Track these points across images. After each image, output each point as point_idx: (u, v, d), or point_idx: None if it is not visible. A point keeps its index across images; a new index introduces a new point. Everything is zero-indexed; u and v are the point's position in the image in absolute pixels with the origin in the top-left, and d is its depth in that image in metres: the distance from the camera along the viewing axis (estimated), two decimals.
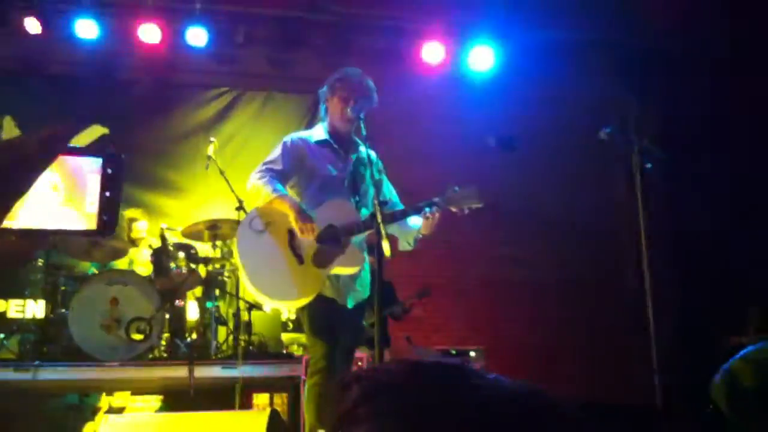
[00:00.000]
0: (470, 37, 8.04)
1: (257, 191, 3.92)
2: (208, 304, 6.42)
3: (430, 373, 0.71)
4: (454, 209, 4.01)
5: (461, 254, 7.88)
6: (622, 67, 7.92)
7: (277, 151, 4.05)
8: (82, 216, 1.10)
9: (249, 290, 3.99)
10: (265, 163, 4.02)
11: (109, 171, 1.05)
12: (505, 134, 7.88)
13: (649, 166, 4.24)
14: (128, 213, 6.90)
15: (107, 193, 1.07)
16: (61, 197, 0.90)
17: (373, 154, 4.10)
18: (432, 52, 7.97)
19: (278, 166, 3.99)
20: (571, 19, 7.59)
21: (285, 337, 6.71)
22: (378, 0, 7.77)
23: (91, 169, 1.02)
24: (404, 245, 4.12)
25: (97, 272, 6.30)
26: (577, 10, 7.42)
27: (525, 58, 7.88)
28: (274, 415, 3.53)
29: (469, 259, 8.00)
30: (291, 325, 6.80)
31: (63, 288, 6.25)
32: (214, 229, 6.30)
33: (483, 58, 8.01)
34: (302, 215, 3.82)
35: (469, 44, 8.05)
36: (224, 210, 6.51)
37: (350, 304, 4.01)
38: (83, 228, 1.07)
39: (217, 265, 6.53)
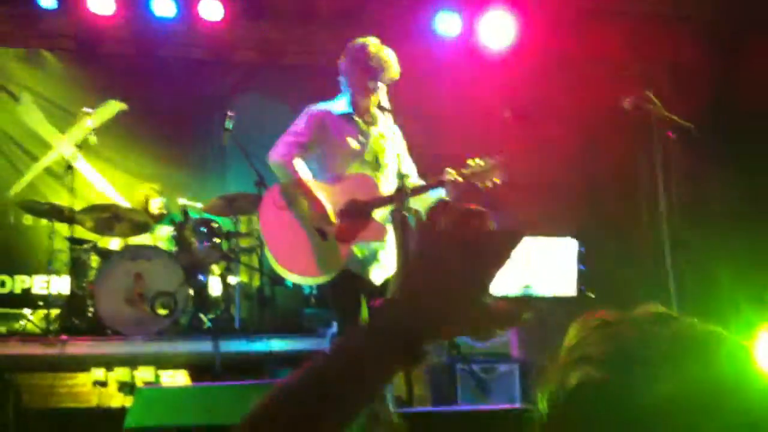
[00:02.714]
0: (487, 5, 7.91)
1: (280, 170, 3.89)
2: (231, 279, 6.44)
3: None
4: (476, 182, 3.98)
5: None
6: (647, 36, 7.76)
7: (301, 122, 4.01)
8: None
9: (273, 266, 3.99)
10: (288, 134, 3.97)
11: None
12: (522, 106, 7.79)
13: (672, 136, 4.17)
14: (144, 188, 6.90)
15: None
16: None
17: (395, 126, 4.07)
18: (447, 22, 7.87)
19: (302, 138, 3.95)
20: None
21: (308, 311, 6.72)
22: None
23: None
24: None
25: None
26: None
27: (544, 27, 7.76)
28: None
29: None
30: (314, 300, 6.80)
31: (87, 263, 6.29)
32: (234, 204, 6.29)
33: (500, 28, 7.89)
34: (316, 206, 3.81)
35: (485, 13, 7.93)
36: (243, 184, 6.49)
37: (376, 279, 3.99)
38: (564, 294, 1.04)
39: (240, 240, 6.54)
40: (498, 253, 0.83)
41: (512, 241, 0.83)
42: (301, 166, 3.87)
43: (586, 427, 0.78)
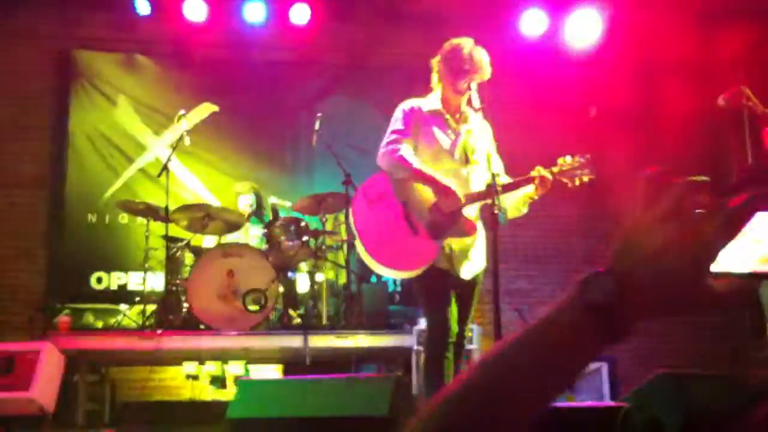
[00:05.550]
0: (572, 4, 7.86)
1: (394, 167, 3.96)
2: (318, 276, 6.56)
3: None
4: (565, 180, 3.99)
5: (566, 228, 7.78)
6: (735, 34, 7.56)
7: (398, 118, 4.08)
8: None
9: (364, 258, 4.06)
10: (389, 134, 4.05)
11: None
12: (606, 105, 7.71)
13: None
14: (236, 187, 7.09)
15: None
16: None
17: (486, 124, 4.11)
18: (533, 20, 7.85)
19: (403, 132, 3.99)
20: None
21: (393, 308, 6.80)
22: None
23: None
24: (514, 212, 4.10)
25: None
26: None
27: (631, 25, 7.67)
28: (399, 381, 3.60)
29: (574, 233, 7.88)
30: (398, 297, 6.89)
31: (181, 260, 6.49)
32: (323, 203, 6.41)
33: (587, 26, 7.83)
34: (443, 191, 3.87)
35: (570, 12, 7.88)
36: (330, 183, 6.61)
37: (465, 275, 4.04)
38: None
39: (326, 238, 6.66)
40: (726, 228, 0.77)
41: (742, 217, 0.78)
42: (412, 158, 3.94)
43: None
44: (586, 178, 3.99)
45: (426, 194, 3.98)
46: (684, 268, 0.77)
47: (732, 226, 0.77)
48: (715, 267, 0.78)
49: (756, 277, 0.82)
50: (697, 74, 7.36)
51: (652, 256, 0.77)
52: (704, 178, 0.78)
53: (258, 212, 6.90)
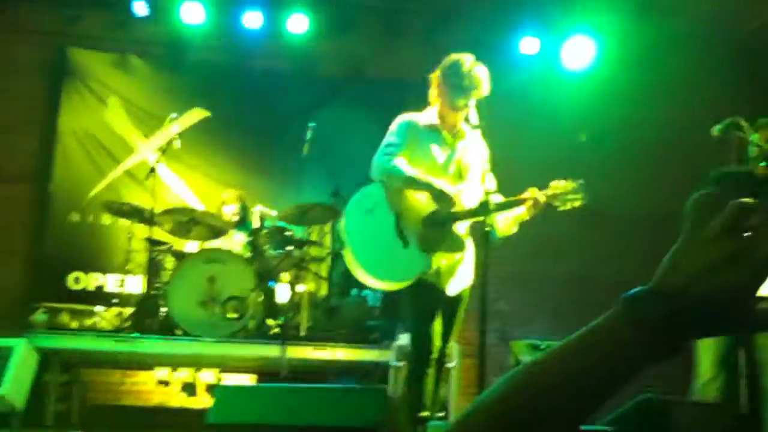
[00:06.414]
0: (567, 29, 7.95)
1: (389, 176, 3.96)
2: (299, 287, 6.53)
3: None
4: (556, 204, 4.01)
5: (551, 248, 7.79)
6: (730, 60, 7.67)
7: (393, 130, 4.09)
8: None
9: (352, 268, 4.05)
10: (383, 146, 4.07)
11: None
12: (597, 130, 7.77)
13: (763, 164, 4.12)
14: (224, 195, 7.05)
15: None
16: None
17: (482, 142, 4.13)
18: (527, 45, 7.92)
19: (397, 145, 4.02)
20: (672, 12, 7.41)
21: (372, 323, 6.76)
22: None
23: None
24: (505, 232, 4.11)
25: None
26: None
27: (623, 52, 7.76)
28: (387, 394, 3.59)
29: (560, 254, 7.89)
30: (379, 312, 6.85)
31: (163, 264, 6.42)
32: (309, 213, 6.39)
33: (580, 52, 7.91)
34: (439, 194, 3.88)
35: (565, 37, 7.97)
36: (319, 194, 6.59)
37: (451, 291, 4.04)
38: None
39: (310, 249, 6.63)
40: None
41: None
42: (406, 166, 3.95)
43: None
44: (577, 203, 4.00)
45: (420, 207, 3.98)
46: (733, 289, 0.77)
47: None
48: (764, 290, 0.79)
49: None
50: (688, 100, 7.45)
51: (702, 275, 0.78)
52: (754, 200, 0.79)
53: (243, 221, 6.86)
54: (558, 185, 4.01)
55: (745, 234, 0.78)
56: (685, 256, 0.80)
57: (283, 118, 7.73)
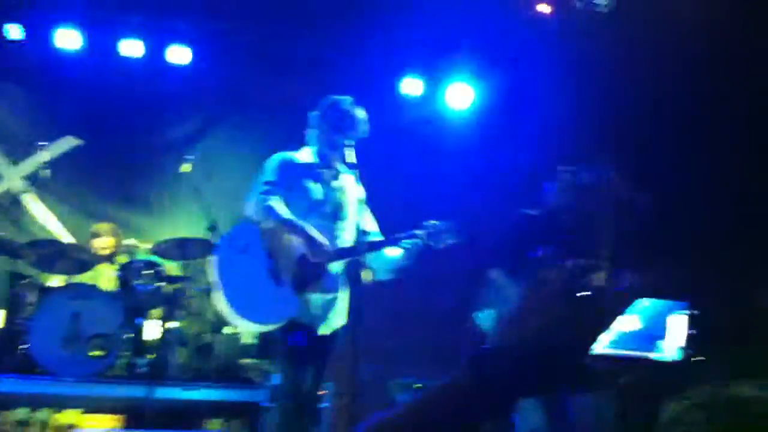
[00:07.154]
0: (449, 73, 8.16)
1: (262, 215, 3.91)
2: (169, 324, 6.32)
3: None
4: (432, 243, 4.08)
5: (430, 286, 7.84)
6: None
7: (268, 169, 4.06)
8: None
9: (221, 309, 3.97)
10: (258, 184, 4.02)
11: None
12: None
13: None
14: (94, 227, 6.80)
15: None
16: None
17: (358, 182, 4.15)
18: (410, 87, 8.08)
19: (273, 183, 4.00)
20: (549, 58, 7.69)
21: (246, 362, 6.62)
22: (356, 30, 7.83)
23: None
24: (383, 274, 4.14)
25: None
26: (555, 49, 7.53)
27: (505, 95, 8.02)
28: None
29: (439, 292, 7.95)
30: (253, 350, 6.72)
31: (25, 299, 6.11)
32: (183, 248, 6.24)
33: (462, 96, 8.14)
34: (312, 241, 3.84)
35: (448, 81, 8.17)
36: (194, 229, 6.45)
37: (324, 331, 4.01)
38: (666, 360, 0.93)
39: (183, 285, 6.45)
40: (608, 311, 0.81)
41: (624, 301, 0.82)
42: (282, 208, 3.91)
43: None
44: (450, 241, 4.10)
45: (293, 246, 3.95)
46: (567, 347, 0.80)
47: (614, 310, 0.81)
48: (597, 348, 0.81)
49: (626, 363, 0.86)
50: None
51: (538, 334, 0.80)
52: (591, 261, 0.81)
53: (113, 255, 6.62)
54: (430, 225, 4.09)
55: (578, 294, 0.80)
56: (522, 315, 0.82)
57: (161, 149, 7.57)
